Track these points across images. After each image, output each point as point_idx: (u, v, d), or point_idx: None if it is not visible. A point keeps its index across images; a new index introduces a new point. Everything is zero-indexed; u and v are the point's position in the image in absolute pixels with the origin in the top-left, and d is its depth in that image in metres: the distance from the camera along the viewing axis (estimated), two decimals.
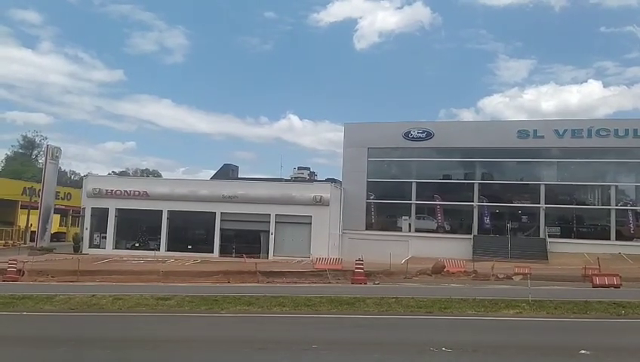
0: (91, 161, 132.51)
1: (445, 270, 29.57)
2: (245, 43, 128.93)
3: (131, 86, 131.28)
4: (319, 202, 39.58)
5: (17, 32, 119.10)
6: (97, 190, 41.43)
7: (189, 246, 39.89)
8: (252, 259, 31.84)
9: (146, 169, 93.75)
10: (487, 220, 41.94)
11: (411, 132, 43.17)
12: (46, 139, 77.67)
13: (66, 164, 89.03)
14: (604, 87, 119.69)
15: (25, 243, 44.07)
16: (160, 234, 40.65)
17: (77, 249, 40.61)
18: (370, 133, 43.95)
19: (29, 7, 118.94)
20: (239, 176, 58.10)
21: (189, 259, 35.65)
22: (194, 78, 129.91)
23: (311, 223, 39.37)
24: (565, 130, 40.46)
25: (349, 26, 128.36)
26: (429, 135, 42.90)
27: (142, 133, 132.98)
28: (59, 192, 49.71)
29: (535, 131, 41.05)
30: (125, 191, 41.35)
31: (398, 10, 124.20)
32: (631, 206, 40.54)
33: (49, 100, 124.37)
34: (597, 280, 23.31)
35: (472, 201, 42.10)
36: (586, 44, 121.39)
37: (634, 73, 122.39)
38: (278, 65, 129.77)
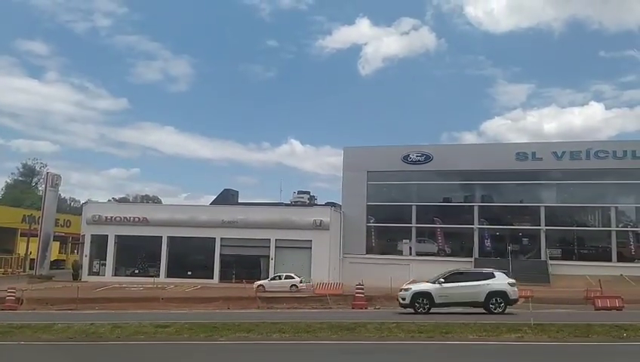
0: (94, 188, 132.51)
1: None
2: (248, 71, 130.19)
3: (135, 113, 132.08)
4: (319, 226, 39.57)
5: (24, 62, 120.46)
6: (97, 217, 41.44)
7: (189, 272, 39.78)
8: (252, 285, 31.64)
9: (146, 195, 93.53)
10: (487, 243, 41.84)
11: (410, 155, 43.36)
12: (46, 166, 77.69)
13: (69, 191, 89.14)
14: (606, 109, 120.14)
15: (24, 271, 43.90)
16: (159, 261, 40.57)
17: (76, 276, 40.49)
18: (369, 157, 44.15)
19: (36, 37, 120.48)
20: (239, 201, 58.11)
21: (189, 285, 35.44)
22: (197, 105, 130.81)
23: (311, 247, 39.32)
24: (564, 152, 40.70)
25: (354, 52, 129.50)
26: (427, 158, 43.06)
27: (145, 160, 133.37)
28: (58, 219, 49.75)
29: (534, 153, 41.26)
30: (125, 217, 41.37)
31: (403, 36, 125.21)
32: (631, 227, 40.51)
33: (54, 128, 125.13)
34: (599, 303, 23.16)
35: (473, 224, 42.06)
36: (582, 68, 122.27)
37: (630, 96, 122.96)
38: (281, 92, 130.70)
